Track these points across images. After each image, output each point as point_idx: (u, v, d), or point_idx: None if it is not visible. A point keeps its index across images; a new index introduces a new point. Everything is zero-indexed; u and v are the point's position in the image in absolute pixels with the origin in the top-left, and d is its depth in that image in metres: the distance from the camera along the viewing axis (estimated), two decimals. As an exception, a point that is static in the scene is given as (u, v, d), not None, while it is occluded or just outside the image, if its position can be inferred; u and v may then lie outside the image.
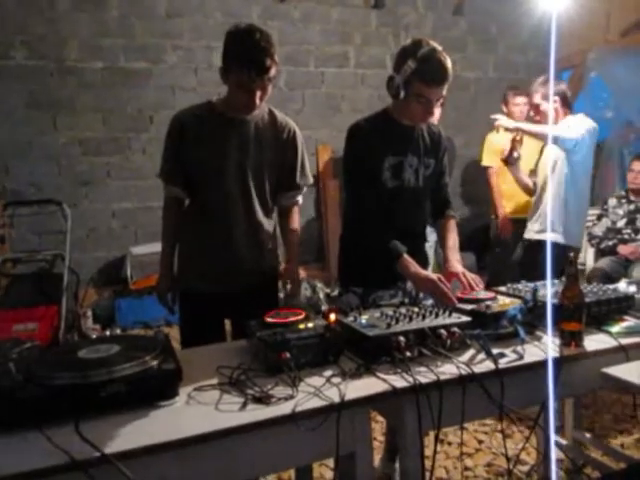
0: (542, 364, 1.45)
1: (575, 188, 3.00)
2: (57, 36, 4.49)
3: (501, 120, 3.13)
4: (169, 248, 2.08)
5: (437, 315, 1.58)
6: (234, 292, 1.98)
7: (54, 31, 4.48)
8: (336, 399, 1.24)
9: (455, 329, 1.51)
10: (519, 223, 3.53)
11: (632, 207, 4.07)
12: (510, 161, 3.10)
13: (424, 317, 1.56)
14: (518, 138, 3.03)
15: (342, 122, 4.94)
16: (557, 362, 1.45)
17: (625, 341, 1.58)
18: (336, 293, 3.90)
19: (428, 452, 1.48)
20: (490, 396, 1.37)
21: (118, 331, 4.25)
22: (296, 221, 2.18)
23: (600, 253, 4.15)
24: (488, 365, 1.42)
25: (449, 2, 5.65)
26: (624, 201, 4.13)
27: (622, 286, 1.95)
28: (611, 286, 1.94)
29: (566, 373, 1.48)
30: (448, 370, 1.39)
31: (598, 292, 1.82)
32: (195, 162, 1.96)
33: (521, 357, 1.47)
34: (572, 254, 1.61)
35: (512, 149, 3.06)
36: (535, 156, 3.28)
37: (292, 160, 2.08)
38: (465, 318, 1.57)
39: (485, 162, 4.31)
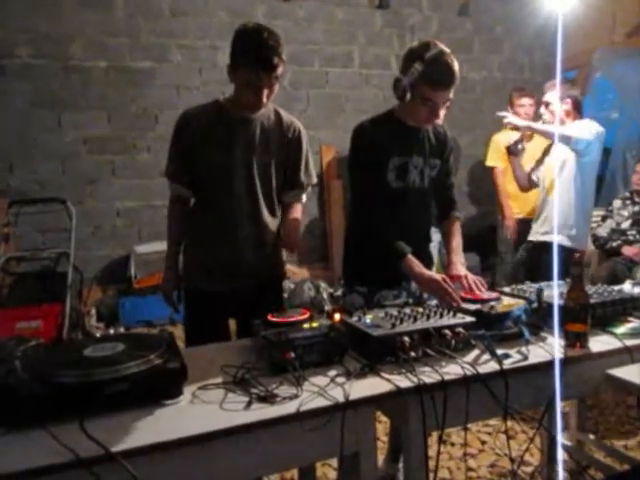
0: (547, 365, 1.45)
1: (582, 190, 2.99)
2: (62, 35, 4.49)
3: (510, 118, 3.09)
4: (174, 247, 2.07)
5: (441, 315, 1.58)
6: (239, 291, 1.98)
7: (59, 30, 4.48)
8: (340, 399, 1.24)
9: (460, 329, 1.51)
10: (526, 224, 3.53)
11: (637, 208, 4.05)
12: (513, 151, 3.09)
13: (428, 317, 1.56)
14: (528, 134, 3.01)
15: (346, 122, 4.95)
16: (562, 363, 1.45)
17: (630, 342, 1.58)
18: (340, 293, 3.89)
19: (431, 452, 1.48)
20: (494, 397, 1.37)
21: (122, 330, 4.24)
22: (298, 212, 2.11)
23: (605, 254, 4.14)
24: (492, 366, 1.42)
25: (454, 2, 5.64)
26: (629, 202, 4.12)
27: (627, 287, 1.95)
28: (616, 287, 1.94)
29: (570, 374, 1.47)
30: (452, 370, 1.39)
31: (603, 293, 1.82)
32: (201, 161, 1.96)
33: (525, 358, 1.47)
34: (578, 255, 1.61)
35: (519, 140, 3.04)
36: (537, 155, 3.27)
37: (296, 158, 2.08)
38: (469, 318, 1.57)
39: (490, 162, 4.29)
